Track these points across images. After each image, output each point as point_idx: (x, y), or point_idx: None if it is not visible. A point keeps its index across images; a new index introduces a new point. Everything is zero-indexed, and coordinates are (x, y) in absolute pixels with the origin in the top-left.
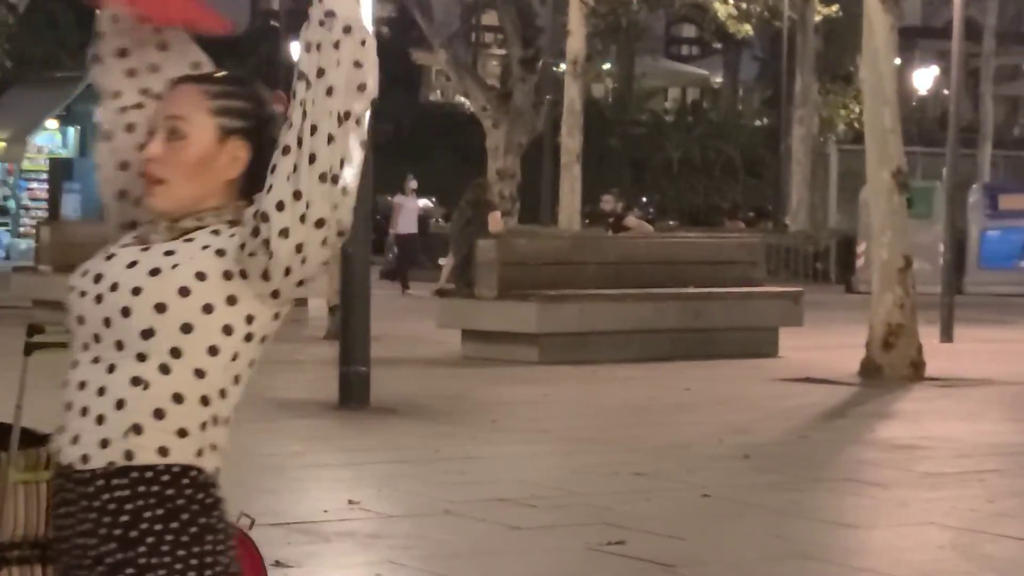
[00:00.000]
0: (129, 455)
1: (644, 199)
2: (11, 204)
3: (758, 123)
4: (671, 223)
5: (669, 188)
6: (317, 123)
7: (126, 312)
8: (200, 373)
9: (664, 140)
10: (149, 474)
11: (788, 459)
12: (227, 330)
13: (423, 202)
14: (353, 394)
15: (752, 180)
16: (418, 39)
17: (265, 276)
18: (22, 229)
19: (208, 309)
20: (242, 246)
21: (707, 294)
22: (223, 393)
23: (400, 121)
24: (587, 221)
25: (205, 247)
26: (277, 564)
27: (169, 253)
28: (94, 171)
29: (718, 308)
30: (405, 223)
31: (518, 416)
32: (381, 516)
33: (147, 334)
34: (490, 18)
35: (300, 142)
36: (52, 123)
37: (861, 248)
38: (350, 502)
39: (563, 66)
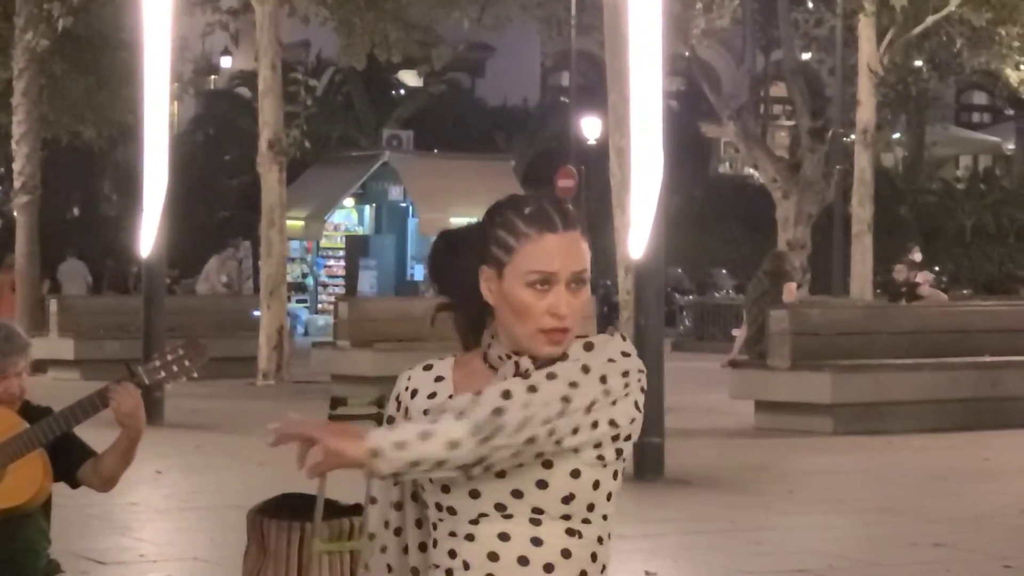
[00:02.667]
0: None
1: (936, 268)
2: (309, 281)
3: None
4: (965, 292)
5: (962, 257)
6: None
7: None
8: None
9: (956, 208)
10: None
11: None
12: None
13: (924, 275)
14: (648, 465)
15: None
16: (707, 112)
17: None
18: (320, 305)
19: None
20: None
21: (1004, 363)
22: None
23: (690, 193)
24: (879, 291)
25: None
26: None
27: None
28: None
29: (1015, 377)
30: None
31: (814, 486)
32: None
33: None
34: (778, 90)
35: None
36: (348, 201)
37: None
38: (647, 573)
39: (853, 136)
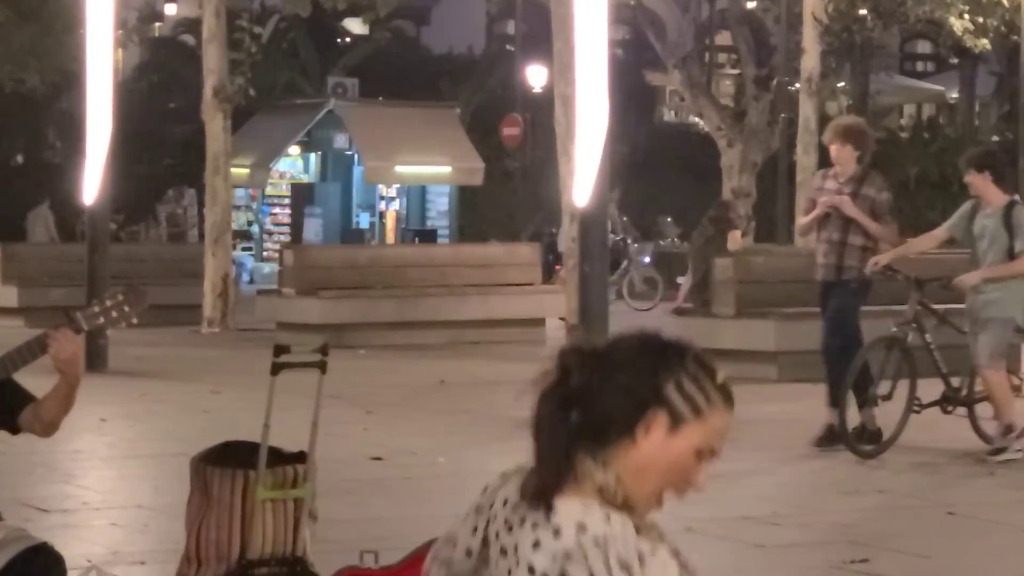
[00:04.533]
0: None
1: None
2: (255, 229)
3: (996, 138)
4: (909, 240)
5: (906, 205)
6: None
7: None
8: None
9: (900, 157)
10: None
11: None
12: None
13: None
14: None
15: None
16: (652, 60)
17: None
18: (265, 253)
19: None
20: None
21: (946, 311)
22: None
23: (635, 142)
24: None
25: None
26: None
27: None
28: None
29: (958, 325)
30: None
31: (759, 434)
32: None
33: None
34: (723, 38)
35: None
36: (294, 149)
37: None
38: None
39: (797, 85)
